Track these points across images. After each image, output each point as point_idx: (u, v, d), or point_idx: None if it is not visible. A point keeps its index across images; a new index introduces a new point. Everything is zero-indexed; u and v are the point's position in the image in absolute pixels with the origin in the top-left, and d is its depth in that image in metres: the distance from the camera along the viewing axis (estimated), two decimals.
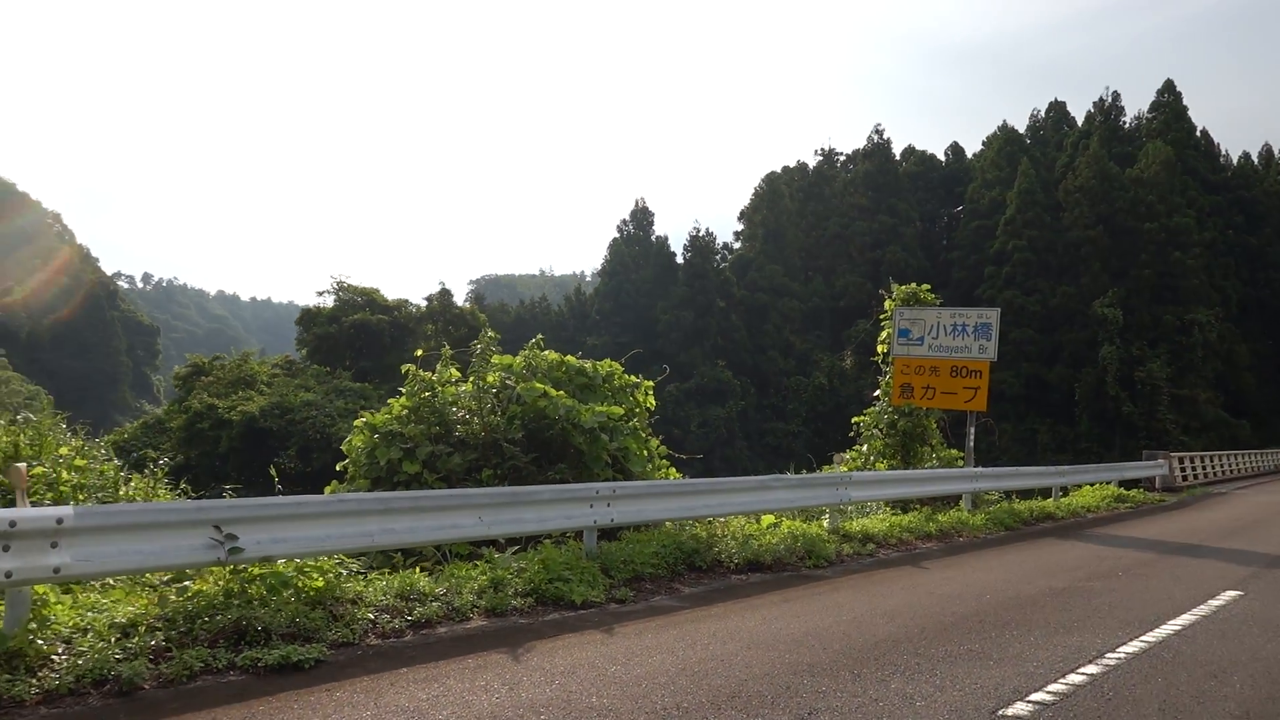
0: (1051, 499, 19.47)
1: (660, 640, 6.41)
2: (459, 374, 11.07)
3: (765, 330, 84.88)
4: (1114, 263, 75.77)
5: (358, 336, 38.82)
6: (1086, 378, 71.36)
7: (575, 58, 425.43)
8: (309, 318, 37.87)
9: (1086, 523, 17.06)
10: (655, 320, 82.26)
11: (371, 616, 6.41)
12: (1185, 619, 7.72)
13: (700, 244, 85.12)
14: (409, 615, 6.61)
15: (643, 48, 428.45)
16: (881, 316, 19.84)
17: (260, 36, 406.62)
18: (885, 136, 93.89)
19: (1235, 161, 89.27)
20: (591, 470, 10.82)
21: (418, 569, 7.85)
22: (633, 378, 12.63)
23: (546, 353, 12.38)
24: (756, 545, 10.14)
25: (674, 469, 13.27)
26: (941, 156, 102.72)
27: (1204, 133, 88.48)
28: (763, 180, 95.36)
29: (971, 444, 17.97)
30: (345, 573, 6.97)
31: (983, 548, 12.61)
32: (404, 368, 10.89)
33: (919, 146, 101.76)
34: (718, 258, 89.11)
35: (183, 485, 12.65)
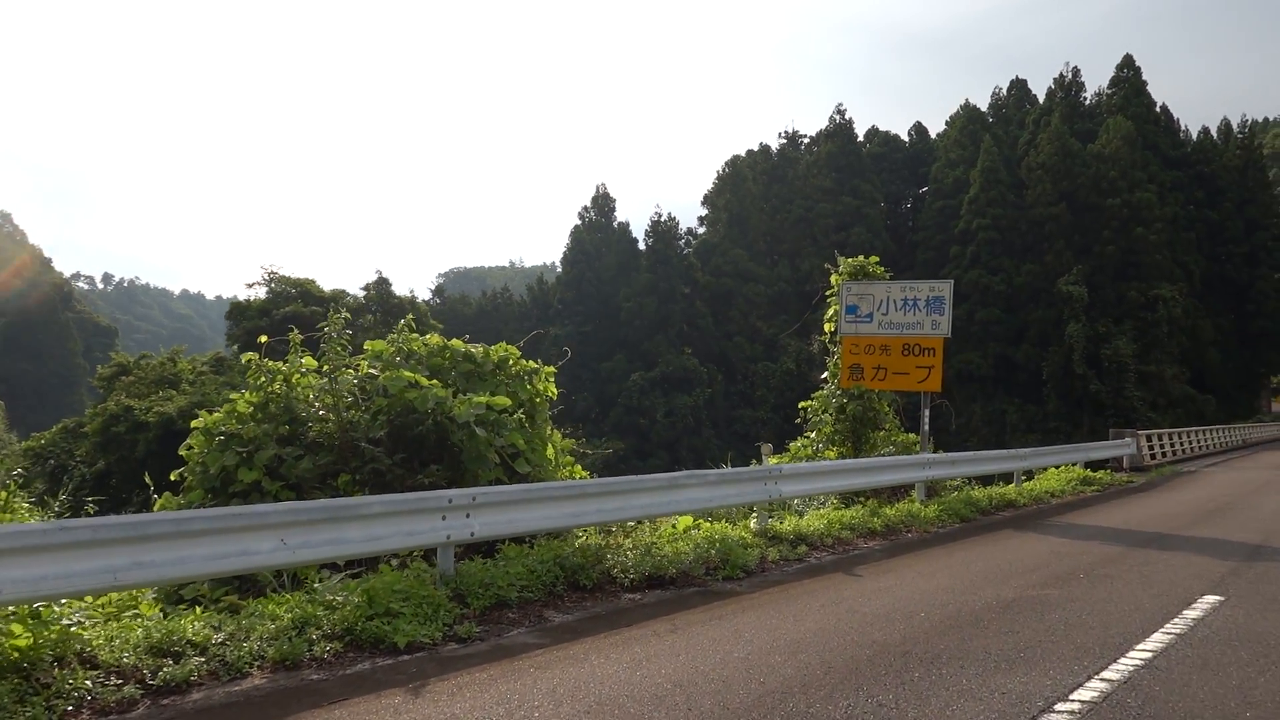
0: (1014, 484, 18.16)
1: (476, 703, 4.88)
2: (315, 363, 9.44)
3: (731, 316, 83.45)
4: (1077, 239, 74.98)
5: (290, 330, 36.87)
6: (1053, 356, 70.57)
7: (539, 45, 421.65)
8: (239, 311, 35.86)
9: (1049, 510, 15.73)
10: (618, 308, 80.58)
11: (90, 685, 4.82)
12: (1157, 641, 6.29)
13: (662, 229, 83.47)
14: (152, 679, 5.03)
15: (605, 33, 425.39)
16: (829, 293, 18.40)
17: (234, 29, 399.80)
18: (848, 117, 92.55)
19: (1195, 137, 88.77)
20: (471, 471, 9.27)
21: (194, 610, 6.28)
22: (530, 363, 11.08)
23: (429, 336, 10.79)
24: (660, 556, 8.64)
25: (580, 468, 11.75)
26: (905, 137, 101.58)
27: (1164, 108, 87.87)
28: (725, 163, 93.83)
29: (926, 427, 16.59)
30: (77, 621, 5.38)
31: (931, 545, 11.20)
32: (245, 357, 9.24)
33: (882, 127, 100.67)
34: (681, 243, 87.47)
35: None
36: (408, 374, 9.47)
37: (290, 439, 9.13)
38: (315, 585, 6.67)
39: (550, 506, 8.12)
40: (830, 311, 18.15)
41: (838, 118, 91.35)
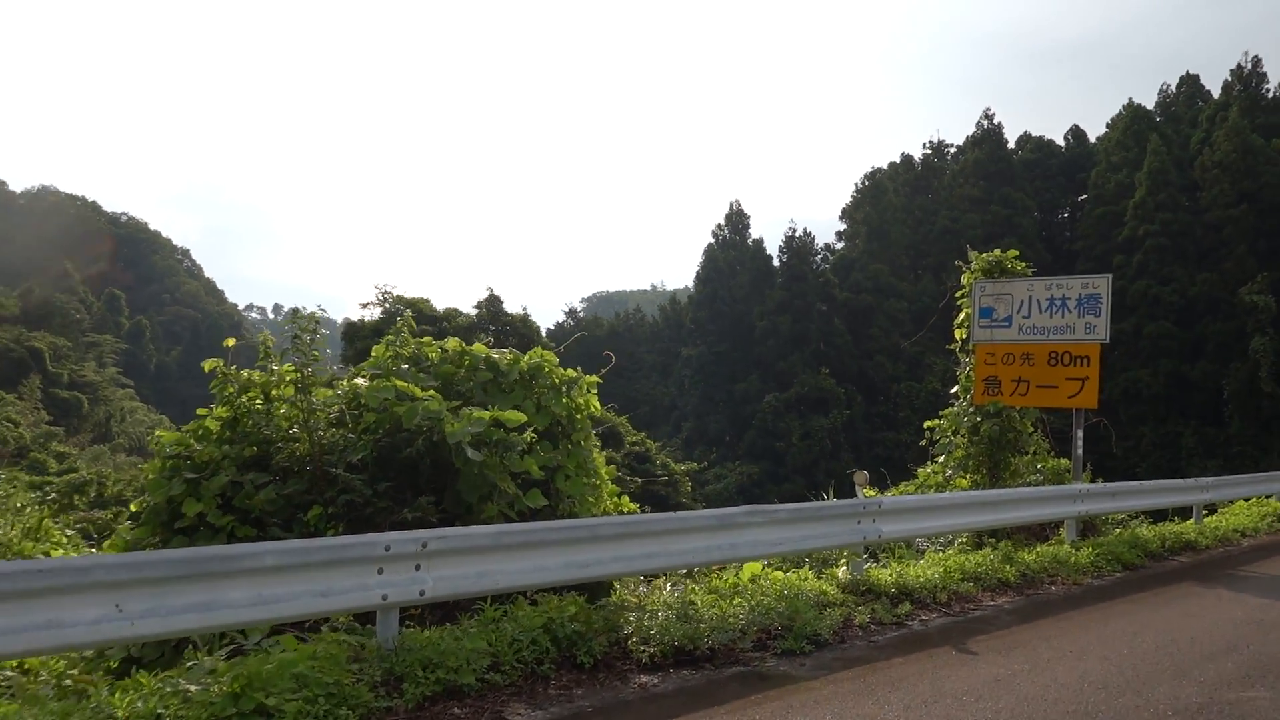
0: (1192, 521, 15.01)
1: None
2: (296, 373, 7.79)
3: (871, 334, 79.58)
4: (1261, 244, 67.69)
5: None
6: (1236, 373, 63.62)
7: (682, 60, 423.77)
8: (352, 331, 35.75)
9: (1240, 554, 12.64)
10: (752, 327, 78.06)
11: None
12: None
13: (797, 245, 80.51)
14: None
15: (745, 52, 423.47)
16: (958, 294, 15.80)
17: (379, 51, 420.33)
18: (996, 122, 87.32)
19: None
20: (469, 503, 7.42)
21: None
22: (569, 372, 9.18)
23: (447, 341, 9.04)
24: (697, 620, 6.54)
25: (629, 500, 9.76)
26: (1061, 142, 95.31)
27: None
28: (864, 176, 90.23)
29: (1079, 452, 13.75)
30: None
31: (1081, 604, 8.61)
32: (207, 364, 7.68)
33: (1035, 132, 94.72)
34: (817, 258, 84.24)
35: None
36: (399, 383, 7.73)
37: (259, 463, 7.52)
38: (190, 662, 4.92)
39: (541, 555, 6.16)
40: (961, 316, 15.56)
41: (985, 123, 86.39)
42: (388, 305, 35.30)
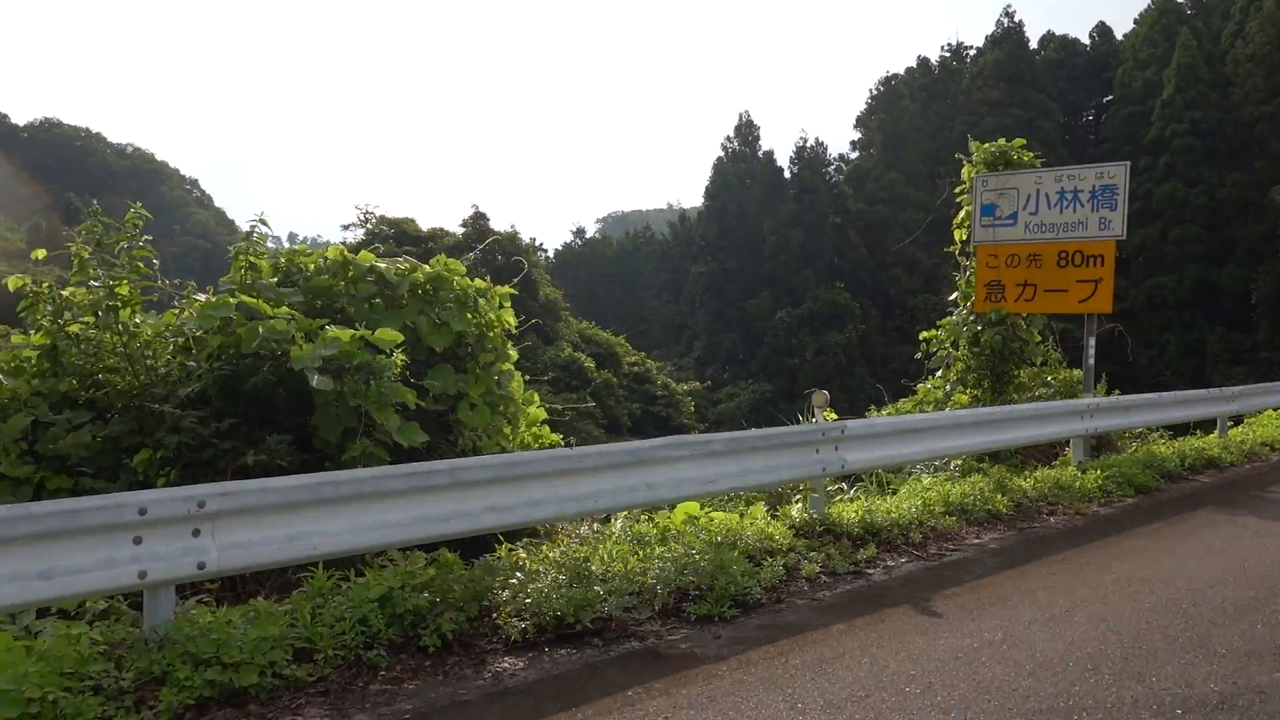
0: (1216, 434, 13.60)
1: None
2: (126, 287, 6.42)
3: (886, 246, 77.21)
4: None
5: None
6: (1265, 277, 61.14)
7: None
8: None
9: (1269, 472, 11.27)
10: (763, 242, 75.92)
11: None
12: None
13: (809, 156, 77.68)
14: None
15: None
16: (958, 190, 14.22)
17: None
18: (1017, 20, 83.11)
19: None
20: (329, 442, 6.15)
21: None
22: (479, 282, 7.79)
23: (328, 249, 7.65)
24: (596, 581, 5.28)
25: (551, 431, 8.48)
26: (1086, 40, 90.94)
27: None
28: (879, 82, 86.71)
29: (1090, 362, 12.28)
30: None
31: (1080, 542, 7.28)
32: (11, 281, 6.32)
33: (1059, 31, 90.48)
34: (830, 169, 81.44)
35: None
36: (246, 299, 6.38)
37: (81, 402, 6.23)
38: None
39: (382, 508, 4.85)
40: (961, 215, 14.01)
41: (1005, 20, 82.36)
42: (370, 226, 33.74)
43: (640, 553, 6.07)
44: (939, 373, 13.97)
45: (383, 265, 7.45)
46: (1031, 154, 13.67)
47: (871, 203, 77.78)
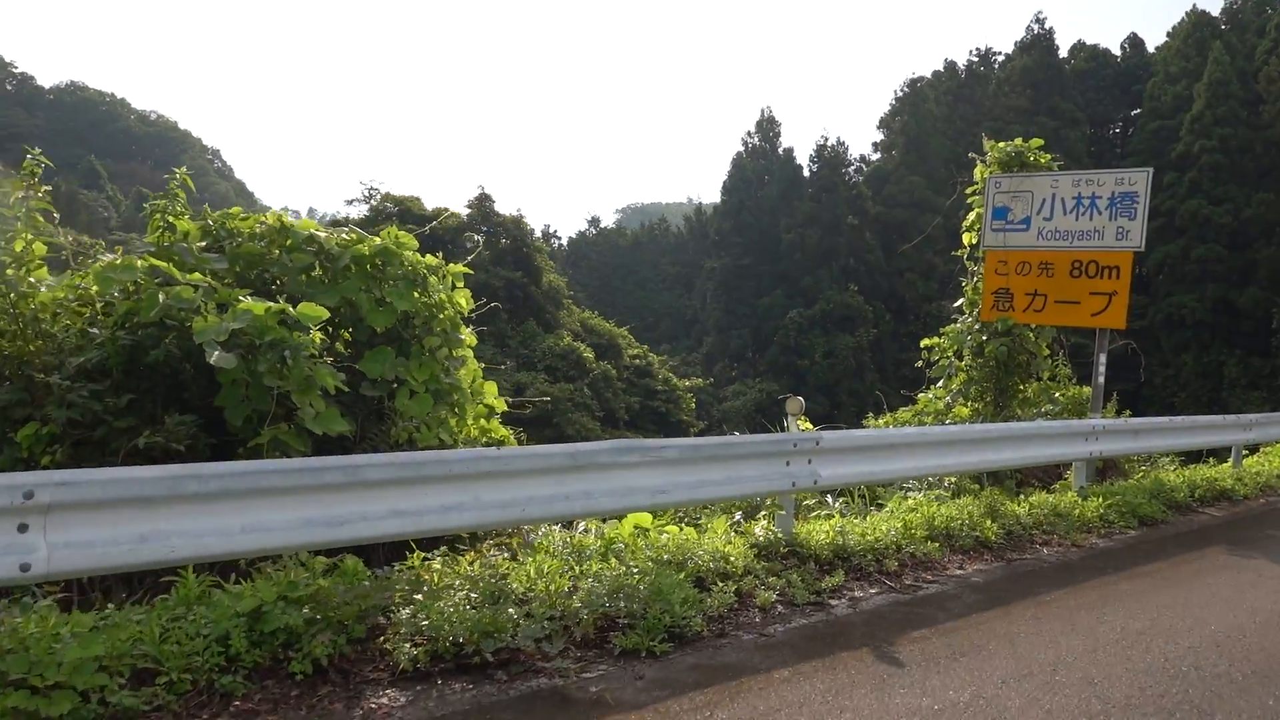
0: (1230, 464, 12.85)
1: None
2: (21, 243, 5.77)
3: (903, 250, 76.29)
4: None
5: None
6: None
7: None
8: (334, 229, 33.66)
9: None
10: (778, 240, 74.98)
11: None
12: None
13: (829, 155, 76.65)
14: None
15: None
16: (969, 190, 13.51)
17: None
18: (1048, 27, 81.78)
19: None
20: (235, 425, 5.51)
21: None
22: (430, 259, 7.12)
23: (267, 214, 6.98)
24: (513, 602, 4.62)
25: (501, 425, 7.82)
26: (1117, 51, 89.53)
27: None
28: (904, 83, 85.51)
29: (1100, 380, 11.52)
30: None
31: (1073, 579, 6.58)
32: None
33: (1090, 40, 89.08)
34: (851, 170, 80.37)
35: None
36: (155, 262, 5.73)
37: None
38: None
39: (263, 507, 4.21)
40: (971, 217, 13.31)
41: (1036, 27, 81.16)
42: (374, 203, 33.09)
43: (576, 568, 5.42)
44: (940, 383, 13.30)
45: (323, 234, 6.80)
46: (1049, 156, 12.93)
47: (890, 205, 76.74)
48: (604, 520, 6.50)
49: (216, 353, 5.17)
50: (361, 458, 4.64)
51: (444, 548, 5.58)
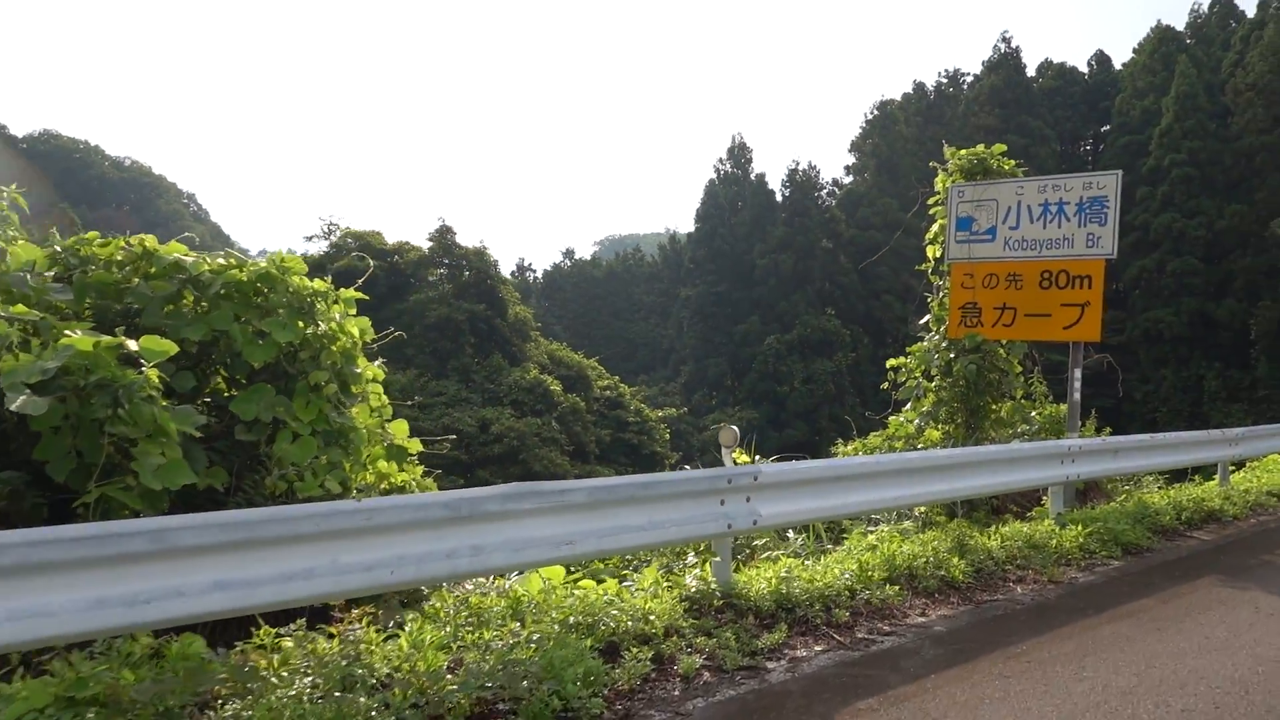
0: (1216, 481, 12.17)
1: None
2: None
3: (879, 272, 75.98)
4: None
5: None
6: (1265, 312, 59.84)
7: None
8: None
9: (1278, 529, 9.79)
10: (753, 266, 74.57)
11: None
12: None
13: (801, 179, 76.48)
14: None
15: None
16: (932, 201, 12.90)
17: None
18: (1014, 46, 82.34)
19: None
20: (57, 482, 4.69)
21: None
22: (319, 283, 6.33)
23: (146, 238, 6.17)
24: (369, 687, 3.79)
25: (421, 471, 7.01)
26: (1084, 68, 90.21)
27: None
28: (874, 106, 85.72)
29: (1076, 397, 10.84)
30: None
31: (1049, 624, 5.79)
32: None
33: (1056, 59, 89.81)
34: (824, 193, 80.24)
35: None
36: None
37: None
38: None
39: (19, 588, 3.39)
40: (935, 229, 12.68)
41: (1002, 46, 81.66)
42: (334, 238, 32.28)
43: (469, 637, 4.60)
44: (909, 405, 12.60)
45: (190, 259, 6.00)
46: (1013, 162, 12.32)
47: (864, 228, 76.58)
48: (505, 576, 5.68)
49: (21, 398, 4.35)
50: (174, 519, 3.82)
51: (297, 622, 4.74)
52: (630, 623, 4.93)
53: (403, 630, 4.59)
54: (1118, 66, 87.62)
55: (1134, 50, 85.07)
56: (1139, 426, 52.76)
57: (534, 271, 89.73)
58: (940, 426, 11.87)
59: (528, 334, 41.56)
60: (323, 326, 6.25)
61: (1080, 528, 8.17)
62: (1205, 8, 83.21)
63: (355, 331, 6.49)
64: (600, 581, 6.10)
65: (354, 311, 6.57)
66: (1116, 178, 10.70)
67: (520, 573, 5.46)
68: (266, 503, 5.47)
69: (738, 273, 74.96)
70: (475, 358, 35.59)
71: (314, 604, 4.48)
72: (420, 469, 7.38)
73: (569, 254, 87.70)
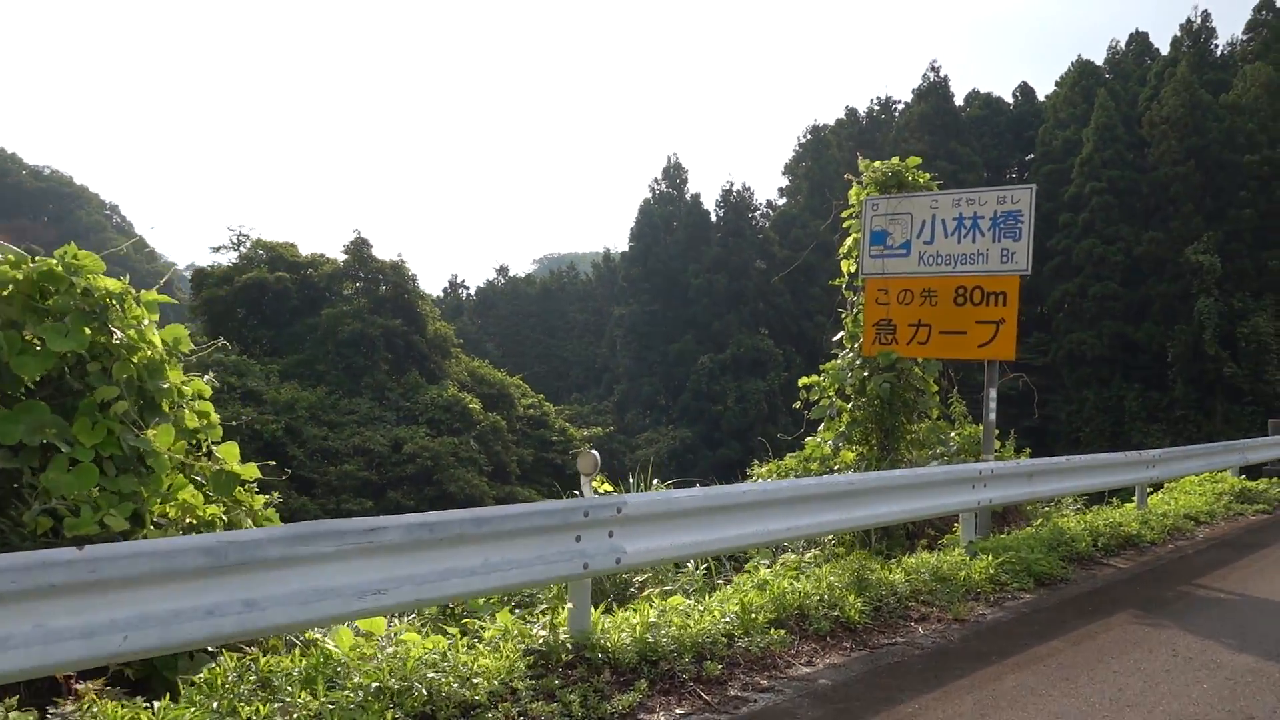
0: (1134, 504, 11.79)
1: None
2: None
3: (812, 293, 76.32)
4: (1208, 203, 65.32)
5: (253, 300, 31.45)
6: (1180, 335, 61.38)
7: (626, 16, 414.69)
8: (200, 278, 31.12)
9: (1196, 556, 9.36)
10: (687, 286, 74.33)
11: None
12: None
13: (735, 200, 76.57)
14: None
15: (685, 7, 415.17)
16: (845, 214, 12.41)
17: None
18: (943, 75, 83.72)
19: None
20: None
21: None
22: (114, 283, 5.44)
23: None
24: None
25: (263, 503, 6.12)
26: (1009, 99, 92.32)
27: None
28: (807, 130, 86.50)
29: (991, 418, 10.37)
30: None
31: (946, 675, 5.13)
32: None
33: (983, 89, 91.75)
34: (758, 214, 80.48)
35: None
36: None
37: None
38: None
39: None
40: (849, 243, 12.19)
41: (931, 75, 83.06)
42: (244, 249, 30.86)
43: (241, 713, 3.75)
44: (822, 425, 12.05)
45: None
46: (928, 175, 11.87)
47: (797, 249, 76.83)
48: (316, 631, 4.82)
49: None
50: None
51: (13, 699, 3.84)
52: (453, 687, 4.13)
53: (159, 706, 3.72)
54: (1041, 98, 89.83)
55: (1056, 83, 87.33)
56: (1064, 445, 53.50)
57: (467, 289, 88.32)
58: (855, 447, 11.36)
59: (448, 350, 40.33)
60: (119, 335, 5.35)
61: (991, 557, 7.60)
62: (1123, 45, 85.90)
63: (154, 339, 5.57)
64: (451, 625, 5.31)
65: (156, 315, 5.66)
66: (1030, 192, 10.30)
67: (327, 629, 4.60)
68: (23, 545, 4.56)
69: (672, 292, 74.62)
70: (391, 375, 34.29)
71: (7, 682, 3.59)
72: (261, 499, 6.48)
73: (503, 271, 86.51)
